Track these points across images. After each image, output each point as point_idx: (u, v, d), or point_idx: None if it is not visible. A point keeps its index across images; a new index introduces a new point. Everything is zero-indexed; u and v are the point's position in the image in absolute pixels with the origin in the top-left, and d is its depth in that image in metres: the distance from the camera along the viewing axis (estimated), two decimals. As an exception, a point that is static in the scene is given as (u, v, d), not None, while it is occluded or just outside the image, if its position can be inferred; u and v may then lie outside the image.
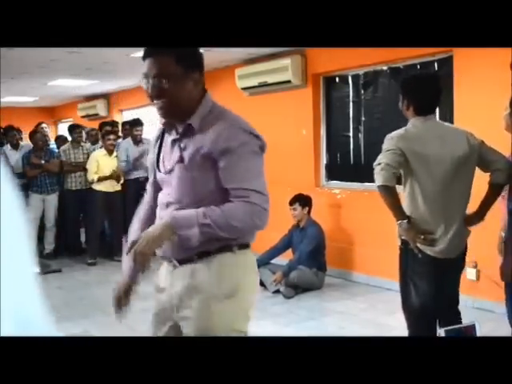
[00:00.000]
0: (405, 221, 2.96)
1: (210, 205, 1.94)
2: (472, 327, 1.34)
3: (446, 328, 1.32)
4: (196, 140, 1.99)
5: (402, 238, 3.07)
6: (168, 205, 2.07)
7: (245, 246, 2.13)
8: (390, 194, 2.96)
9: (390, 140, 3.01)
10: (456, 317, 3.15)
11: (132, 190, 7.36)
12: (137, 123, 7.67)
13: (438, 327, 3.09)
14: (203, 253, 2.03)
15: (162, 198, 2.14)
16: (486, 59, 4.50)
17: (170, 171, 2.08)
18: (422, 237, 2.95)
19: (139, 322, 4.22)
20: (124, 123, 8.45)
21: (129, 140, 7.66)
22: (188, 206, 1.98)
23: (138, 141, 7.56)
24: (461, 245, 3.08)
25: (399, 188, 3.08)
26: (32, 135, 7.57)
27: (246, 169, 1.96)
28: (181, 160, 2.02)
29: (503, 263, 2.79)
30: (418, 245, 2.97)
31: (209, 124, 1.99)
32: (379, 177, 2.96)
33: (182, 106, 2.00)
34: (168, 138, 2.12)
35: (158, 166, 2.16)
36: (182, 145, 2.03)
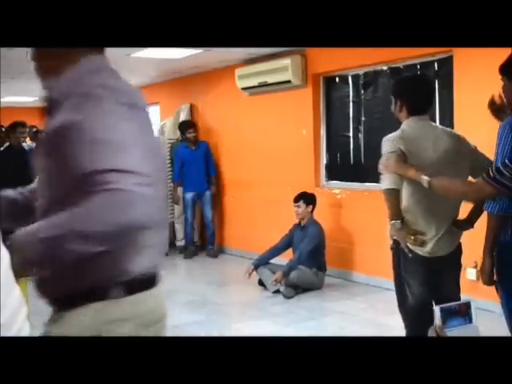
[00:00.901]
0: (398, 221, 2.97)
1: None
2: (467, 304, 1.33)
3: (441, 305, 1.32)
4: (56, 112, 1.41)
5: (394, 238, 3.07)
6: (40, 216, 1.40)
7: (138, 284, 1.43)
8: (395, 196, 2.96)
9: (390, 142, 3.00)
10: None
11: None
12: None
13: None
14: (70, 298, 1.39)
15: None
16: (485, 59, 4.50)
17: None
18: (413, 237, 2.96)
19: (139, 322, 4.21)
20: None
21: None
22: (53, 213, 1.32)
23: None
24: (452, 244, 3.08)
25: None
26: (37, 134, 7.58)
27: (101, 140, 1.30)
28: (41, 144, 1.42)
29: (482, 265, 2.79)
30: (409, 244, 2.98)
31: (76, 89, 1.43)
32: (388, 180, 2.95)
33: (41, 72, 1.52)
34: None
35: None
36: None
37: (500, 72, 2.68)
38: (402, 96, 3.09)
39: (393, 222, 3.00)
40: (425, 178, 2.68)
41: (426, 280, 3.03)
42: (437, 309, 1.30)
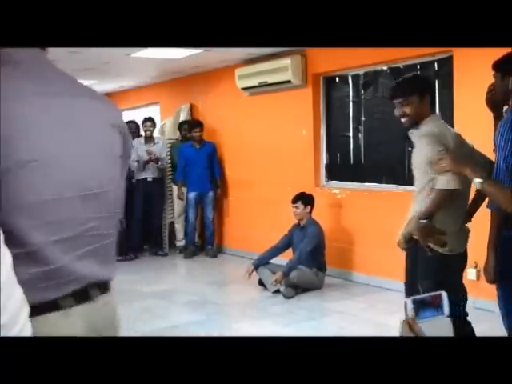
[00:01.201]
0: (426, 220, 2.97)
1: None
2: (439, 296, 1.33)
3: (413, 297, 1.31)
4: None
5: (414, 236, 3.07)
6: None
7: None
8: (451, 197, 2.94)
9: (433, 138, 2.98)
10: (464, 318, 3.19)
11: (140, 190, 7.48)
12: (145, 120, 7.76)
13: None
14: None
15: None
16: (485, 59, 4.49)
17: None
18: (436, 237, 2.97)
19: (139, 322, 4.22)
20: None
21: (140, 139, 7.78)
22: None
23: (146, 138, 7.68)
24: (466, 241, 3.14)
25: (410, 188, 3.10)
26: None
27: None
28: None
29: (485, 263, 2.80)
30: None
31: None
32: (456, 181, 2.89)
33: None
34: None
35: None
36: None
37: (493, 68, 2.69)
38: (428, 91, 3.14)
39: (423, 221, 2.98)
40: (478, 181, 2.64)
41: (440, 278, 3.05)
42: (408, 301, 1.29)
